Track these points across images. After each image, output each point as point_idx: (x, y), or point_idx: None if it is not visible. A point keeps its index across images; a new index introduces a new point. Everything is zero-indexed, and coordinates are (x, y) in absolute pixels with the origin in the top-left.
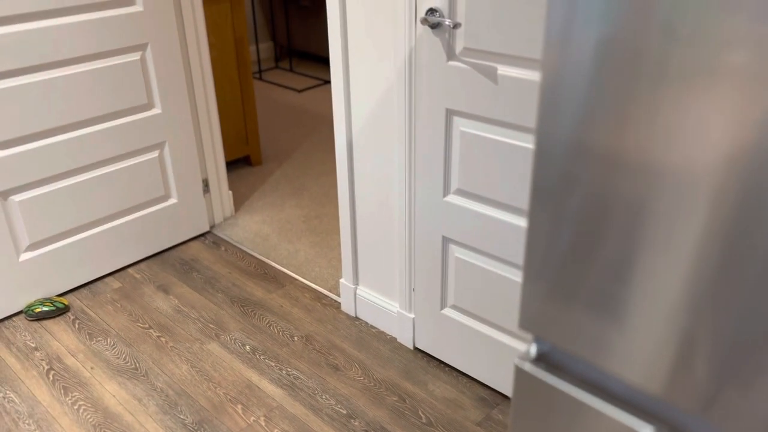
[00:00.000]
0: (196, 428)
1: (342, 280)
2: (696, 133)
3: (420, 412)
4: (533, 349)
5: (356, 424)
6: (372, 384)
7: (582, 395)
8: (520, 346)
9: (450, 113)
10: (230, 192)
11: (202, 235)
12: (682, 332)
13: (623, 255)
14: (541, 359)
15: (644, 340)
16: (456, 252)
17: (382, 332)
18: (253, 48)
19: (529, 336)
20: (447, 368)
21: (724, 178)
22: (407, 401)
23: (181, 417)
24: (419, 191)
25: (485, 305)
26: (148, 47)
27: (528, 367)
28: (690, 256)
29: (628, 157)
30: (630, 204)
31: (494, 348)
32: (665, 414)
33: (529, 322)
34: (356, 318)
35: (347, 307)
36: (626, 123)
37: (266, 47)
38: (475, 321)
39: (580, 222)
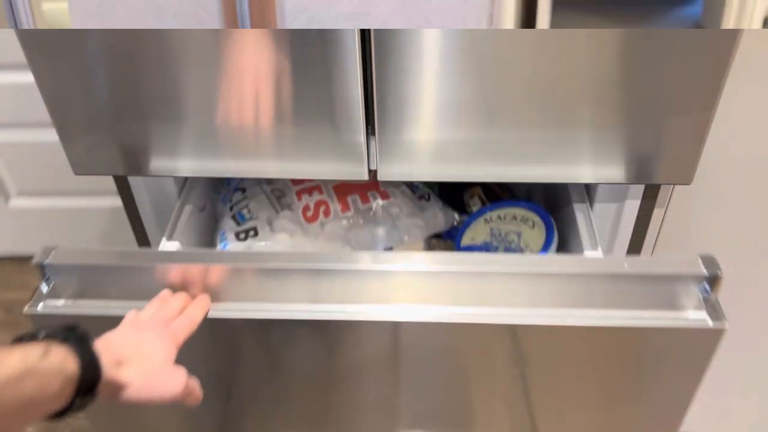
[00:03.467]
0: None
1: None
2: None
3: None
4: (43, 287)
5: None
6: None
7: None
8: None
9: None
10: None
11: None
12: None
13: (163, 80)
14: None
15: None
16: None
17: None
18: None
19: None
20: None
21: None
22: (15, 310)
23: None
24: None
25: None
26: None
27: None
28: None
29: None
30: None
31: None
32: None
33: (84, 167)
34: None
35: None
36: None
37: None
38: (44, 198)
39: (95, 67)
